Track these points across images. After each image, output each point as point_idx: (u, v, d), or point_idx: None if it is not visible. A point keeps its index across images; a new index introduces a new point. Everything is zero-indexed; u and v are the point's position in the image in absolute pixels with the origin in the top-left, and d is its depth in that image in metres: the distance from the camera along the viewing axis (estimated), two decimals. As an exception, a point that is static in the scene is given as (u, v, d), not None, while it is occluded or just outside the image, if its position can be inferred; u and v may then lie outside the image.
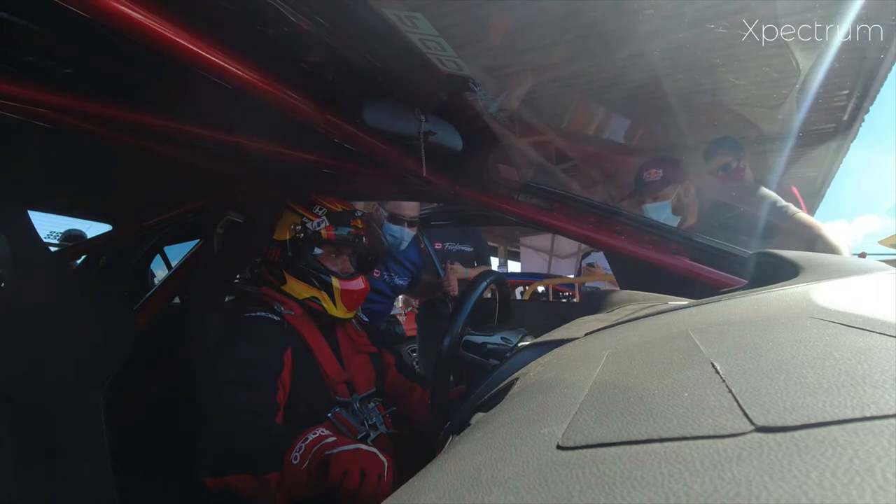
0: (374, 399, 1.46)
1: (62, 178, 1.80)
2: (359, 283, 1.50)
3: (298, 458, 0.96)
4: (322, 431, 1.02)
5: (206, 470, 1.08)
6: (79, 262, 2.34)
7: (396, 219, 1.99)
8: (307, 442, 0.98)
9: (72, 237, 3.81)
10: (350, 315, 1.50)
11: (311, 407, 1.31)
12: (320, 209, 1.46)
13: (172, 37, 0.73)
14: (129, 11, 0.67)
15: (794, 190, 2.65)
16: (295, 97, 0.96)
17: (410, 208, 2.02)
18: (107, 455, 1.08)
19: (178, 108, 1.26)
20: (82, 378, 1.09)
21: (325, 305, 1.43)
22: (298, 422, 1.27)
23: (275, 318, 1.35)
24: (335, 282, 1.43)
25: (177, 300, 2.09)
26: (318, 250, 1.44)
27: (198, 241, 2.02)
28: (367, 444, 1.01)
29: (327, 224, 1.43)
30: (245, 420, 1.11)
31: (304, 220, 1.44)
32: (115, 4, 0.66)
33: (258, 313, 1.35)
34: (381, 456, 0.97)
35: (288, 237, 1.44)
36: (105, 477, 1.06)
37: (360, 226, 1.49)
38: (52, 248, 2.04)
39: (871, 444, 0.22)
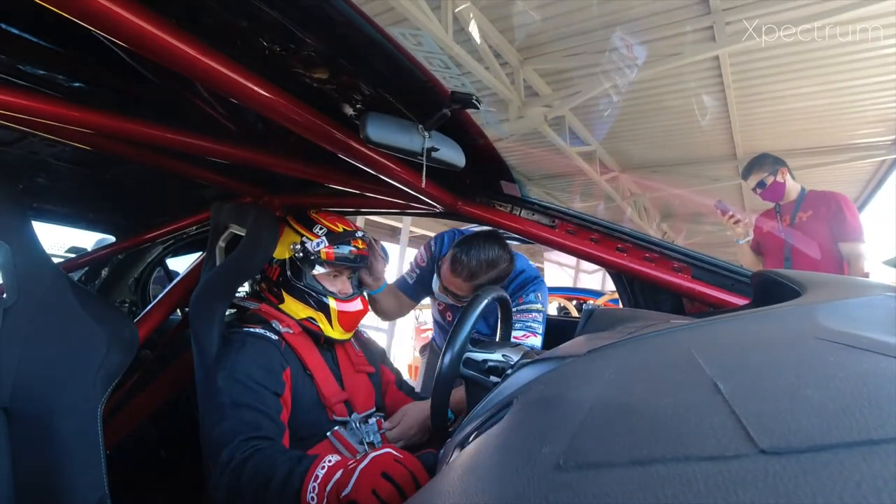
0: (375, 415, 1.44)
1: (66, 189, 1.81)
2: (357, 305, 1.47)
3: (315, 499, 0.95)
4: (329, 462, 1.00)
5: (219, 503, 1.06)
6: (81, 273, 2.35)
7: (447, 290, 1.76)
8: (318, 481, 0.97)
9: (74, 248, 3.83)
10: (347, 336, 1.47)
11: (310, 427, 1.30)
12: (320, 228, 1.44)
13: (178, 50, 0.74)
14: (136, 24, 0.68)
15: (846, 200, 2.65)
16: (299, 111, 0.97)
17: (460, 289, 1.71)
18: (104, 470, 1.07)
19: (182, 121, 1.27)
20: (81, 391, 1.08)
21: (321, 326, 1.41)
22: (299, 441, 1.27)
23: (272, 336, 1.34)
24: (332, 303, 1.41)
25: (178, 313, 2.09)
26: (317, 270, 1.42)
27: (200, 253, 2.03)
28: (364, 454, 0.99)
29: (327, 245, 1.41)
30: (253, 448, 1.09)
31: (304, 239, 1.41)
32: (122, 17, 0.67)
33: (257, 330, 1.34)
34: (381, 451, 0.96)
35: (287, 256, 1.42)
36: (101, 492, 1.05)
37: (361, 246, 1.46)
38: (55, 259, 2.05)
39: (878, 468, 0.21)
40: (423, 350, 2.86)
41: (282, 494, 0.98)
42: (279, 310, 1.42)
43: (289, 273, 1.42)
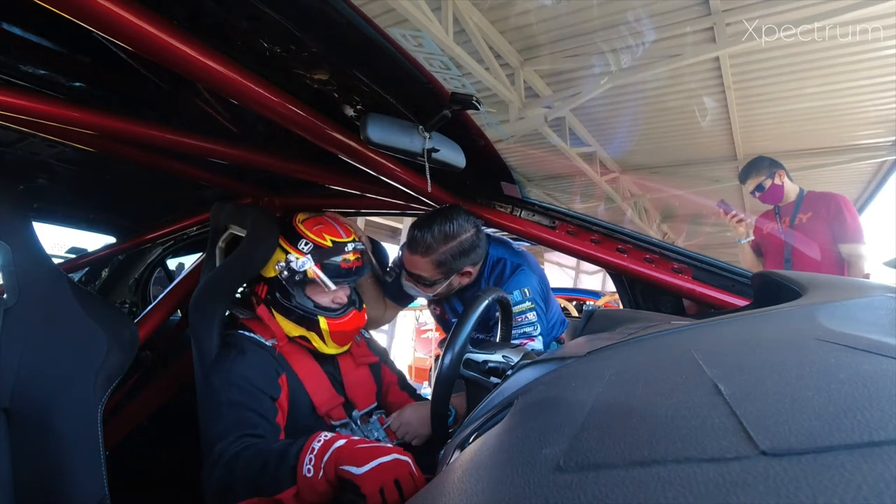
0: (376, 412, 1.44)
1: (66, 190, 1.81)
2: (351, 320, 1.40)
3: (312, 471, 0.93)
4: (325, 436, 0.98)
5: (212, 498, 1.06)
6: (81, 274, 2.35)
7: (411, 275, 1.61)
8: (314, 452, 0.95)
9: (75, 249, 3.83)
10: (343, 349, 1.43)
11: (309, 431, 1.29)
12: (306, 244, 1.34)
13: (178, 51, 0.74)
14: (136, 25, 0.68)
15: (845, 201, 2.65)
16: (300, 112, 0.97)
17: (423, 270, 1.55)
18: (104, 470, 1.07)
19: (183, 121, 1.27)
20: (81, 391, 1.08)
21: (315, 344, 1.37)
22: None
23: (268, 342, 1.33)
24: (323, 322, 1.35)
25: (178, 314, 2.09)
26: (306, 287, 1.36)
27: (200, 254, 2.02)
28: (388, 447, 0.97)
29: (313, 263, 1.32)
30: (247, 444, 1.08)
31: (289, 257, 1.34)
32: (122, 18, 0.67)
33: (254, 335, 1.34)
34: (401, 456, 0.94)
35: (273, 275, 1.36)
36: (102, 492, 1.05)
37: (353, 257, 1.38)
38: (55, 260, 2.05)
39: (880, 470, 0.21)
40: (441, 343, 2.83)
41: (277, 472, 0.97)
42: (269, 324, 1.38)
43: (277, 294, 1.36)
